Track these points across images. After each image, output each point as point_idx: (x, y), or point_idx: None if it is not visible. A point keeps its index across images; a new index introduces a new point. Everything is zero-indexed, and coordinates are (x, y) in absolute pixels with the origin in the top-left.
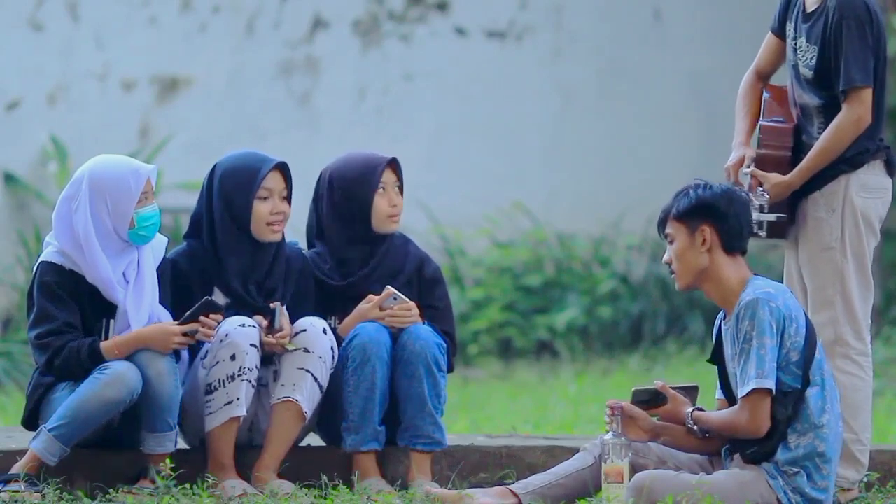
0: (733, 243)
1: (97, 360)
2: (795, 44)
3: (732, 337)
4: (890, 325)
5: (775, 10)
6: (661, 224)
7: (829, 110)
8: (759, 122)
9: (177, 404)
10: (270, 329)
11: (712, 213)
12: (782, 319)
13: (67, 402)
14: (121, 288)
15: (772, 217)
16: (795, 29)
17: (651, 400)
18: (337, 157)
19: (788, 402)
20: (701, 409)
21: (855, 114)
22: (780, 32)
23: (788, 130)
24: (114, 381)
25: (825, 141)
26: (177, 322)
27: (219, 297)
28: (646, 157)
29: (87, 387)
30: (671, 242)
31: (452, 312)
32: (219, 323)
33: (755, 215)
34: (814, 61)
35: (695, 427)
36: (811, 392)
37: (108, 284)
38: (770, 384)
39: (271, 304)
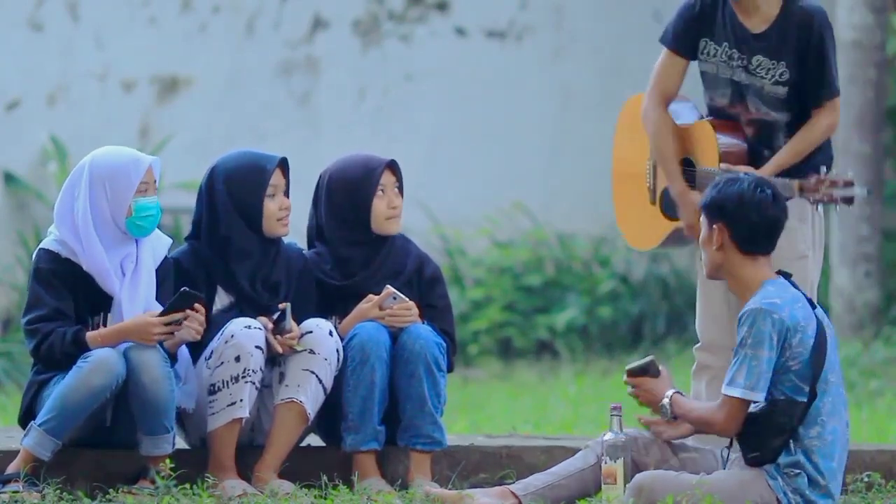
0: (747, 246)
1: (81, 348)
2: (745, 63)
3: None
4: (890, 325)
5: (671, 28)
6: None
7: (794, 125)
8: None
9: (173, 408)
10: (278, 329)
11: (723, 214)
12: (785, 331)
13: (54, 395)
14: (116, 279)
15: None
16: (739, 49)
17: (643, 370)
18: (336, 158)
19: (794, 413)
20: (680, 394)
21: (833, 119)
22: (686, 52)
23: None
24: (97, 367)
25: (802, 142)
26: (157, 314)
27: (222, 297)
28: None
29: (72, 376)
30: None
31: (452, 312)
32: (203, 314)
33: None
34: (786, 76)
35: (668, 407)
36: (815, 402)
37: (104, 273)
38: (758, 397)
39: (280, 305)
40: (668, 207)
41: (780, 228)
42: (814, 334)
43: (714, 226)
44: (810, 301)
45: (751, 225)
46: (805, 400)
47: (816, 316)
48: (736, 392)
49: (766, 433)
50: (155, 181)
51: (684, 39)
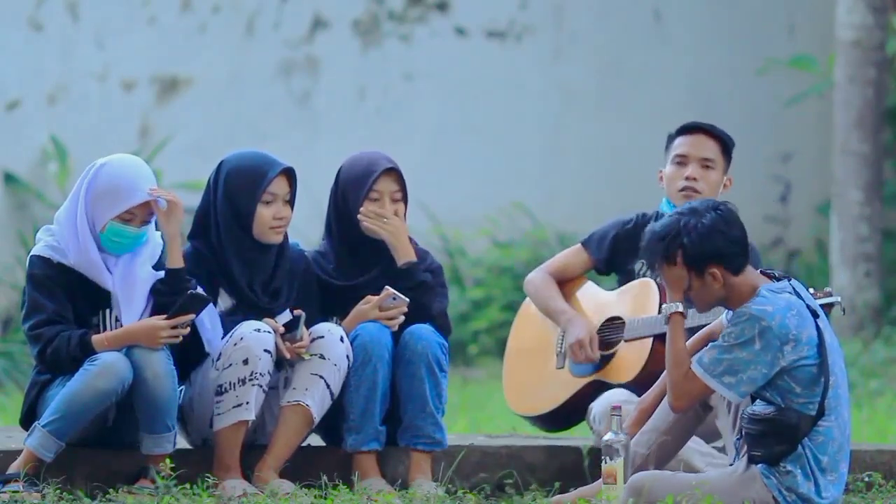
0: (739, 267)
1: (87, 350)
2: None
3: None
4: (890, 325)
5: (598, 234)
6: (650, 264)
7: None
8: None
9: (175, 406)
10: (289, 335)
11: (714, 256)
12: (774, 339)
13: (60, 396)
14: (107, 275)
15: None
16: None
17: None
18: (350, 154)
19: (801, 425)
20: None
21: None
22: (599, 258)
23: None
24: (104, 371)
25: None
26: (164, 317)
27: (224, 299)
28: (645, 157)
29: (79, 379)
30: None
31: (448, 297)
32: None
33: None
34: None
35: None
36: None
37: (95, 267)
38: (713, 385)
39: (295, 312)
40: (577, 367)
41: None
42: (814, 345)
43: (708, 272)
44: (811, 308)
45: (738, 249)
46: (813, 413)
47: (817, 325)
48: (696, 367)
49: (773, 438)
50: (152, 214)
51: (605, 249)
